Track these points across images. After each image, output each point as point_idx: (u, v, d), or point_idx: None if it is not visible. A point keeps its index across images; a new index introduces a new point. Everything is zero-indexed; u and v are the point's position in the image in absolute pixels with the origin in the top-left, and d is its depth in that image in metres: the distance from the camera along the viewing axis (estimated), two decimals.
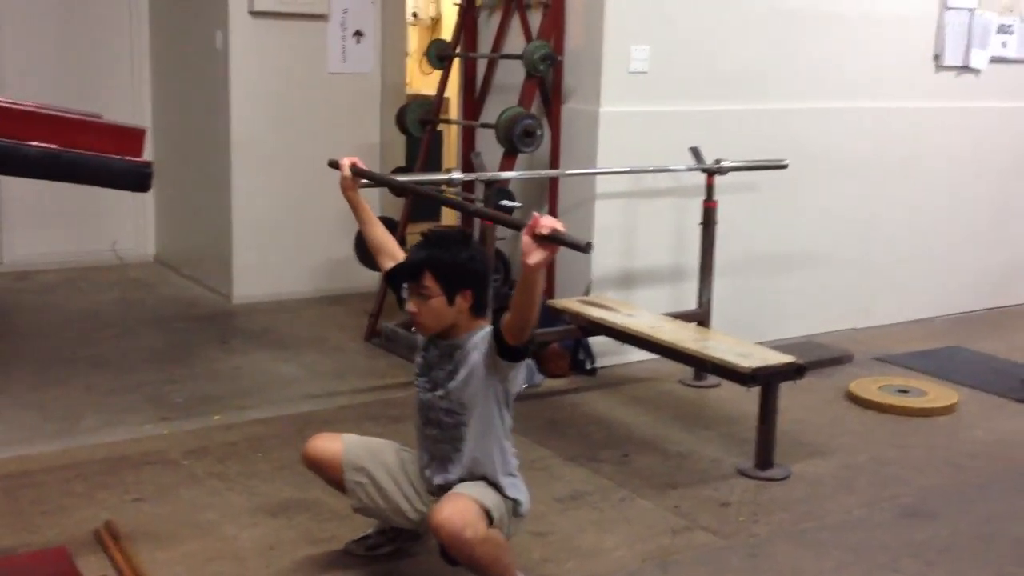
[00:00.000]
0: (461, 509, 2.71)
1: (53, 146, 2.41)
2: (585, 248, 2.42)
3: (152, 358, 5.05)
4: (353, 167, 3.17)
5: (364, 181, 3.23)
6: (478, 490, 2.82)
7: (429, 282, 2.77)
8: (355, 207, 3.21)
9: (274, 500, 3.56)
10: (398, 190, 5.60)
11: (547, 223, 2.43)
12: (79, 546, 3.14)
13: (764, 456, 3.94)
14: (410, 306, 2.84)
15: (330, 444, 3.06)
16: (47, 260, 6.65)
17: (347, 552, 3.21)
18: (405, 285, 2.90)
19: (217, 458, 3.89)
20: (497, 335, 2.70)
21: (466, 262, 2.81)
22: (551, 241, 2.43)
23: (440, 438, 2.90)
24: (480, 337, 2.81)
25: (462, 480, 2.87)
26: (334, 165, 3.24)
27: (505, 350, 2.70)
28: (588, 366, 5.00)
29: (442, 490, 2.89)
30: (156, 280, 6.59)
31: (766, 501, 3.73)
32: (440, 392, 2.87)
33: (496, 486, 2.87)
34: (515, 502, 2.90)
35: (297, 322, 5.80)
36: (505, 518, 2.86)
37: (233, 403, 4.48)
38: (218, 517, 3.43)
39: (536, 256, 2.45)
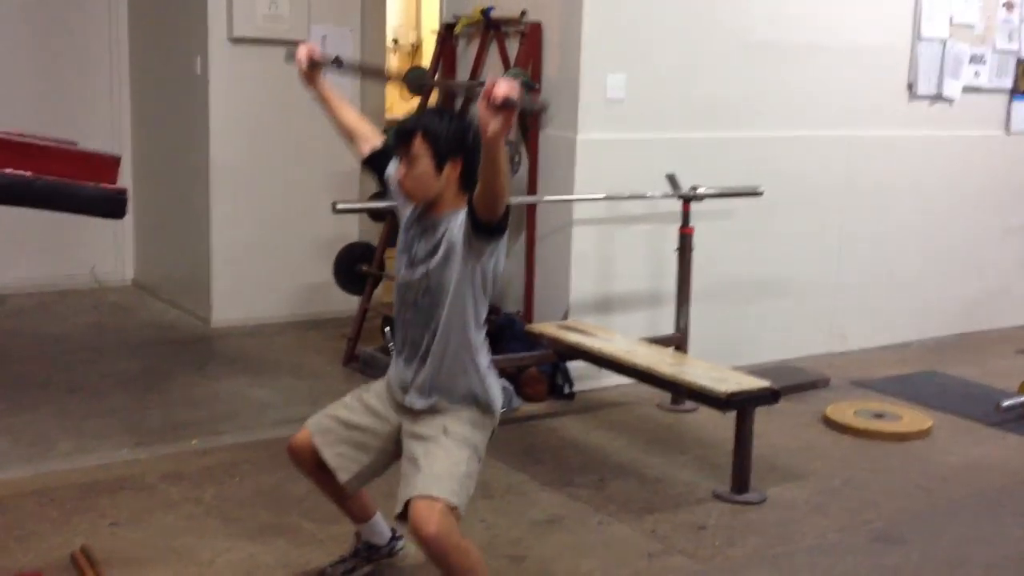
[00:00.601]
0: (435, 520, 2.65)
1: (26, 173, 2.42)
2: (541, 108, 2.39)
3: (128, 382, 5.04)
4: (311, 57, 3.10)
5: (332, 64, 3.12)
6: (444, 470, 2.76)
7: (419, 146, 2.73)
8: (322, 98, 3.16)
9: (251, 525, 3.56)
10: (376, 215, 5.63)
11: (501, 91, 2.37)
12: (55, 571, 3.13)
13: (740, 480, 3.97)
14: (399, 171, 2.80)
15: (300, 434, 3.07)
16: (24, 284, 6.61)
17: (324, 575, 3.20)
18: (393, 158, 2.88)
19: (193, 483, 3.88)
20: (471, 211, 2.67)
21: (458, 130, 2.76)
22: (507, 107, 2.39)
23: (415, 322, 2.86)
24: (462, 216, 2.75)
25: (434, 388, 2.84)
26: (291, 57, 3.14)
27: (477, 225, 2.67)
28: (566, 390, 5.01)
29: (414, 393, 2.86)
30: (134, 304, 6.57)
31: (741, 525, 3.75)
32: (420, 270, 2.83)
33: (471, 396, 2.85)
34: (488, 405, 2.89)
35: (275, 347, 5.79)
36: (473, 471, 2.83)
37: (210, 428, 4.47)
38: (194, 541, 3.42)
39: (494, 125, 2.41)
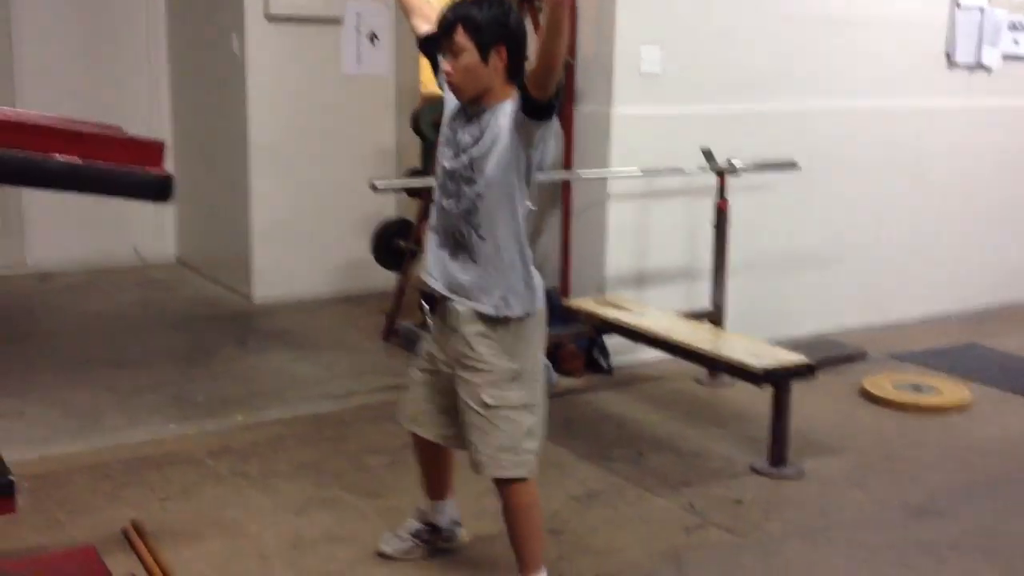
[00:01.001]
0: (511, 498, 2.85)
1: (75, 159, 2.47)
2: None
3: (174, 358, 5.13)
4: None
5: None
6: (500, 444, 2.85)
7: (461, 37, 2.70)
8: None
9: (296, 499, 3.63)
10: (413, 191, 5.66)
11: None
12: (107, 545, 3.22)
13: (777, 454, 3.99)
14: (444, 65, 2.77)
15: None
16: (70, 261, 6.74)
17: (382, 555, 3.25)
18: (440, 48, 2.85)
19: (240, 457, 3.97)
20: (522, 92, 2.65)
21: (498, 16, 2.72)
22: None
23: (457, 210, 2.83)
24: (509, 105, 2.73)
25: (478, 286, 2.82)
26: None
27: (529, 104, 2.65)
28: (603, 365, 5.05)
29: (456, 287, 2.86)
30: (177, 281, 6.68)
31: (779, 499, 3.78)
32: (464, 158, 2.80)
33: (514, 296, 2.84)
34: (531, 302, 2.89)
35: (315, 322, 5.88)
36: (527, 426, 2.89)
37: (254, 403, 4.56)
38: (241, 516, 3.50)
39: None
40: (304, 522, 3.47)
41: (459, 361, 2.90)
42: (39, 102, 6.14)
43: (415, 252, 5.54)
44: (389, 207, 6.30)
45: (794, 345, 4.52)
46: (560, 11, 2.47)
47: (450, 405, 2.98)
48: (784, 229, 5.55)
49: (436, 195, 2.92)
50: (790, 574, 3.26)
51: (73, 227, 6.70)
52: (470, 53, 2.72)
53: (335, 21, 6.15)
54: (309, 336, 5.61)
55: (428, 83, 8.03)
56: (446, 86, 2.87)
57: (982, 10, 6.03)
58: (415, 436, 3.13)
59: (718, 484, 3.88)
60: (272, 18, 5.95)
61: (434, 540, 3.27)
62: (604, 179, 5.00)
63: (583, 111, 5.10)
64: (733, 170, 4.90)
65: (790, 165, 5.12)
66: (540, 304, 2.93)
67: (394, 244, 5.64)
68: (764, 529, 3.55)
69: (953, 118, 6.09)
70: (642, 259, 5.17)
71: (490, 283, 2.84)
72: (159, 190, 2.60)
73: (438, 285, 2.93)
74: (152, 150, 2.63)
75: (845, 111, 5.67)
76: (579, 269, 5.19)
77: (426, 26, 3.01)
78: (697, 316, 4.80)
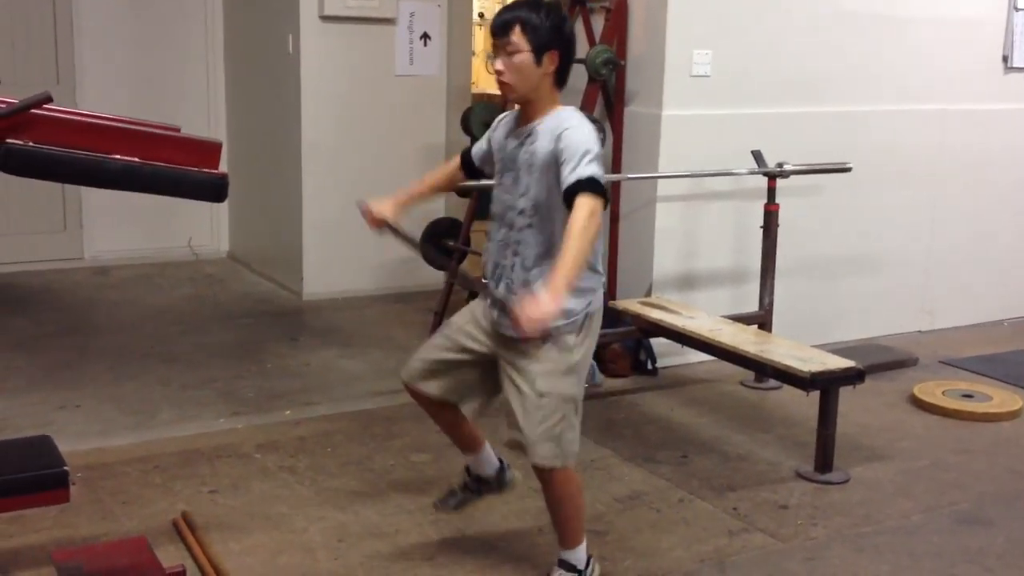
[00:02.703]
0: (552, 484, 2.91)
1: (134, 159, 2.53)
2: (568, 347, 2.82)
3: (224, 353, 5.22)
4: (382, 220, 3.15)
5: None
6: (544, 433, 2.88)
7: (517, 36, 2.77)
8: (409, 203, 3.24)
9: (342, 494, 3.69)
10: (462, 191, 5.70)
11: (532, 329, 2.60)
12: (157, 536, 3.29)
13: (823, 459, 3.97)
14: (497, 64, 2.83)
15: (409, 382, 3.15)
16: (126, 256, 6.89)
17: (437, 508, 3.35)
18: (490, 52, 2.94)
19: (288, 452, 4.03)
20: (567, 195, 2.71)
21: (556, 22, 2.81)
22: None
23: (509, 240, 2.90)
24: (556, 128, 2.78)
25: (537, 267, 2.86)
26: (364, 211, 3.20)
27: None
28: (649, 367, 5.05)
29: (521, 285, 2.88)
30: (229, 276, 6.78)
31: (824, 505, 3.76)
32: (521, 185, 2.86)
33: (574, 294, 2.82)
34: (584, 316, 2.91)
35: (364, 319, 5.94)
36: (570, 423, 2.92)
37: (302, 399, 4.62)
38: (289, 510, 3.56)
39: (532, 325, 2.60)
40: (350, 517, 3.52)
41: (513, 348, 2.91)
42: (100, 103, 6.26)
43: (464, 252, 5.58)
44: (439, 206, 6.35)
45: (843, 350, 4.49)
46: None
47: (473, 380, 3.05)
48: (834, 232, 5.51)
49: (493, 228, 2.98)
50: None
51: (129, 222, 6.83)
52: (525, 53, 2.78)
53: (388, 22, 6.21)
54: (357, 333, 5.67)
55: (478, 82, 8.09)
56: (488, 141, 3.01)
57: None
58: (428, 401, 3.13)
59: (763, 488, 3.87)
60: (327, 19, 6.03)
61: (486, 490, 3.31)
62: (653, 181, 5.00)
63: (633, 113, 5.11)
64: (783, 173, 4.88)
65: (842, 168, 5.08)
66: (599, 303, 2.97)
67: (443, 243, 5.68)
68: (808, 534, 3.54)
69: (1009, 122, 6.01)
70: (690, 262, 5.17)
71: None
72: (215, 191, 2.66)
73: (498, 291, 2.95)
74: (209, 151, 2.69)
75: (898, 114, 5.61)
76: (626, 271, 5.19)
77: (455, 165, 3.22)
78: (745, 320, 4.78)
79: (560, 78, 2.84)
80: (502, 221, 2.95)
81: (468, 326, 3.06)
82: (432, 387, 3.09)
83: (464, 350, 3.05)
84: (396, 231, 3.16)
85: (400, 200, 3.20)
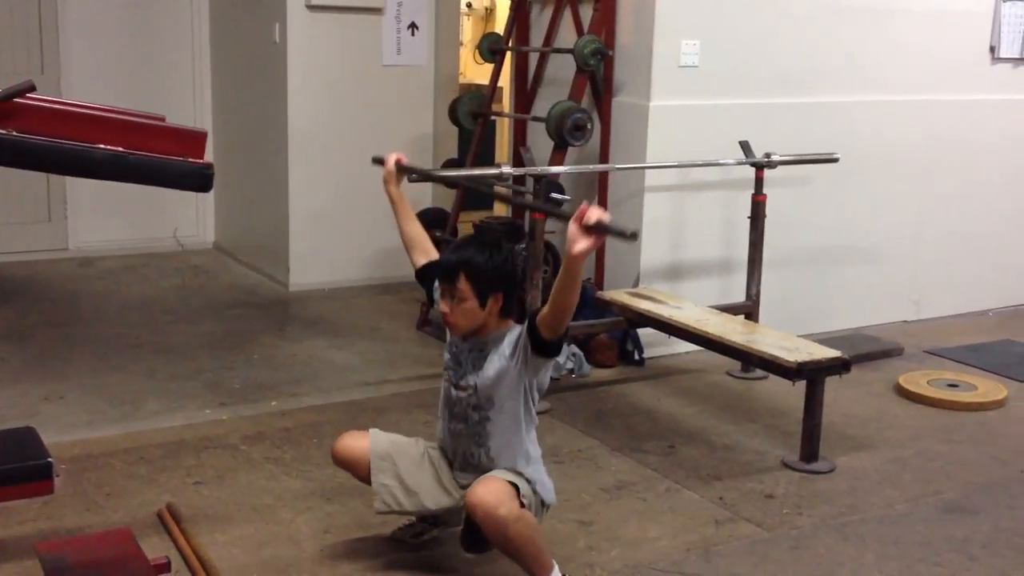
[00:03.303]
0: (494, 489, 2.82)
1: (120, 149, 2.52)
2: (631, 237, 2.49)
3: (211, 344, 5.20)
4: (398, 163, 3.24)
5: (412, 175, 3.32)
6: (507, 475, 2.92)
7: (463, 284, 2.85)
8: (395, 202, 3.29)
9: (328, 485, 3.68)
10: (451, 182, 5.69)
11: (594, 213, 2.50)
12: (142, 527, 3.28)
13: (809, 449, 3.98)
14: (443, 307, 2.92)
15: (358, 442, 3.14)
16: (111, 246, 6.85)
17: (395, 539, 3.31)
18: (437, 285, 3.01)
19: (274, 443, 4.02)
20: (532, 330, 2.78)
21: (499, 265, 2.89)
22: (597, 231, 2.50)
23: (465, 432, 3.00)
24: (510, 337, 2.91)
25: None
26: (378, 161, 3.30)
27: (539, 344, 2.78)
28: (636, 357, 5.06)
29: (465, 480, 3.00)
30: (215, 267, 6.76)
31: (810, 494, 3.77)
32: (468, 388, 2.96)
33: (521, 476, 2.95)
34: (540, 496, 2.99)
35: (351, 310, 5.92)
36: (533, 504, 2.95)
37: (289, 390, 4.61)
38: (274, 501, 3.55)
39: (582, 244, 2.51)
40: (335, 508, 3.52)
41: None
42: (83, 92, 6.23)
43: (451, 242, 5.57)
44: (426, 196, 6.34)
45: (829, 340, 4.50)
46: (578, 263, 2.58)
47: (418, 501, 3.09)
48: (821, 223, 5.52)
49: (443, 415, 3.06)
50: (820, 569, 3.26)
51: (115, 212, 6.80)
52: (470, 300, 2.86)
53: (375, 11, 6.19)
54: (344, 324, 5.66)
55: (465, 72, 8.07)
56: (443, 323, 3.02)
57: None
58: (349, 463, 3.19)
59: (749, 478, 3.88)
60: (313, 7, 6.00)
61: (442, 523, 3.28)
62: (641, 171, 4.99)
63: (621, 103, 5.10)
64: (770, 163, 4.88)
65: (829, 159, 5.09)
66: (548, 500, 3.03)
67: (430, 234, 5.65)
68: (794, 524, 3.55)
69: (997, 113, 6.02)
70: (677, 252, 5.17)
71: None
72: (200, 180, 2.66)
73: (451, 492, 3.06)
74: (194, 141, 2.69)
75: (886, 104, 5.62)
76: (613, 261, 5.20)
77: (424, 259, 3.20)
78: (732, 310, 4.79)
79: (505, 312, 2.92)
80: (453, 416, 3.02)
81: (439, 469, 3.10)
82: (378, 475, 3.10)
83: (433, 479, 3.10)
84: (414, 169, 3.34)
85: (400, 157, 3.27)
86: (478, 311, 2.88)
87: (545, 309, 2.73)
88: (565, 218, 2.60)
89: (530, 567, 2.87)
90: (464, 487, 2.99)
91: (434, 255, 3.19)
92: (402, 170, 3.27)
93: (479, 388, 2.94)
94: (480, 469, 2.97)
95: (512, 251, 2.99)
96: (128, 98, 5.84)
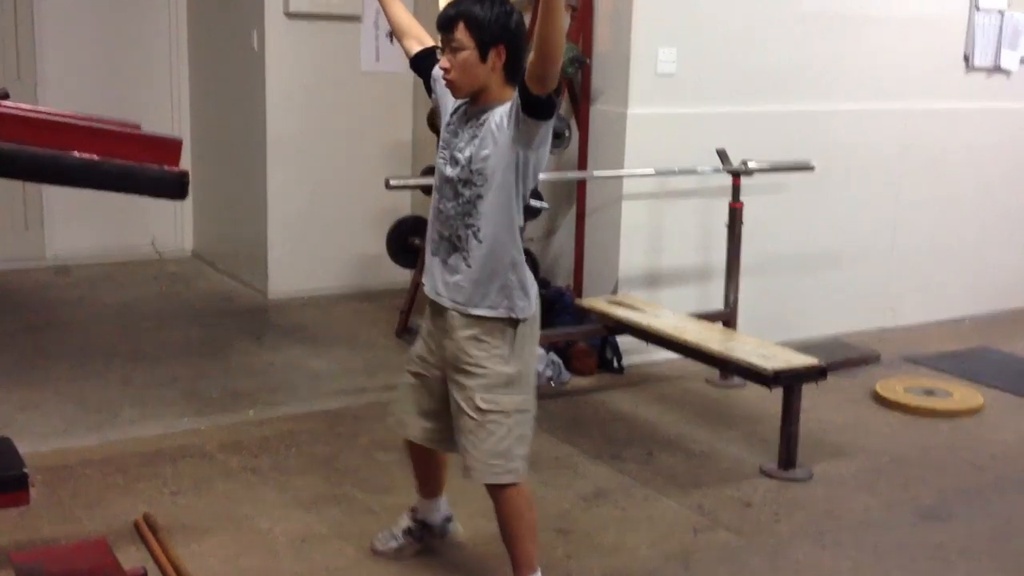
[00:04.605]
0: (505, 502, 2.85)
1: (93, 156, 2.50)
2: None
3: (189, 352, 5.18)
4: None
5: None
6: (492, 449, 2.85)
7: (461, 34, 2.70)
8: None
9: (306, 494, 3.66)
10: (428, 189, 5.68)
11: None
12: (118, 537, 3.26)
13: (787, 456, 4.00)
14: (443, 63, 2.78)
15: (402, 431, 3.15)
16: (88, 254, 6.80)
17: (375, 552, 3.28)
18: (435, 74, 2.87)
19: (251, 452, 4.00)
20: (522, 88, 2.62)
21: (500, 16, 2.72)
22: None
23: (455, 212, 2.82)
24: (508, 106, 2.72)
25: (474, 285, 2.81)
26: None
27: (529, 102, 2.61)
28: (615, 364, 5.06)
29: (451, 291, 2.85)
30: (193, 275, 6.72)
31: (788, 501, 3.79)
32: (461, 159, 2.79)
33: (507, 299, 2.83)
34: (525, 305, 2.87)
35: (330, 318, 5.91)
36: (521, 433, 2.90)
37: (266, 398, 4.59)
38: (252, 510, 3.53)
39: None
40: (313, 517, 3.50)
41: (453, 365, 2.90)
42: (61, 98, 6.20)
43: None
44: (405, 204, 6.33)
45: (806, 347, 4.52)
46: None
47: (438, 408, 3.00)
48: (798, 231, 5.55)
49: (434, 199, 2.91)
50: None
51: (91, 220, 6.75)
52: (469, 49, 2.72)
53: (353, 18, 6.18)
54: (323, 332, 5.64)
55: None
56: (440, 84, 2.88)
57: (1002, 13, 6.01)
58: (407, 442, 3.16)
59: (727, 485, 3.89)
60: (292, 15, 5.98)
61: (427, 537, 3.28)
62: (618, 179, 5.00)
63: (598, 111, 5.12)
64: (747, 171, 4.90)
65: (805, 167, 5.12)
66: (535, 308, 2.92)
67: (409, 241, 5.66)
68: (772, 531, 3.56)
69: (970, 121, 6.07)
70: (655, 259, 5.18)
71: (486, 286, 2.83)
72: (175, 188, 2.62)
73: (431, 292, 2.94)
74: (169, 147, 2.66)
75: (861, 113, 5.66)
76: (592, 268, 5.20)
77: (417, 46, 3.05)
78: (710, 317, 4.81)
79: (512, 72, 2.76)
80: (443, 196, 2.85)
81: (419, 350, 3.06)
82: (417, 433, 3.08)
83: (419, 376, 3.04)
84: None
85: None
86: (478, 65, 2.72)
87: (530, 57, 2.58)
88: None
89: (516, 555, 2.93)
90: (450, 302, 2.86)
91: (428, 42, 3.04)
92: None
93: (472, 160, 2.76)
94: (466, 264, 2.80)
95: (517, 10, 2.80)
96: (106, 105, 5.82)
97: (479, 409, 2.85)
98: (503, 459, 2.86)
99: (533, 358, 2.96)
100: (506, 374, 2.86)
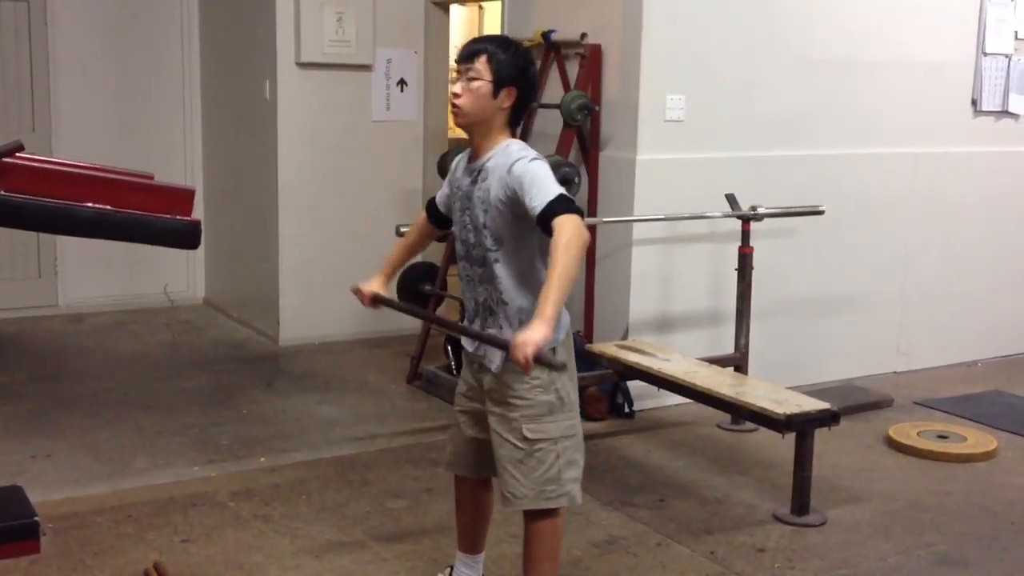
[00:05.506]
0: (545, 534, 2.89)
1: (107, 207, 2.54)
2: (560, 367, 2.73)
3: (200, 400, 5.18)
4: (375, 296, 3.23)
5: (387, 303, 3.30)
6: (540, 478, 2.88)
7: (481, 65, 2.81)
8: (394, 271, 3.34)
9: (317, 542, 3.65)
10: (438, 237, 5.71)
11: (523, 352, 2.57)
12: None
13: (800, 502, 3.97)
14: (455, 87, 2.86)
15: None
16: (101, 302, 6.85)
17: None
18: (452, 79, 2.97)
19: (262, 500, 4.00)
20: (541, 220, 2.69)
21: (520, 61, 2.84)
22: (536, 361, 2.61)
23: (481, 277, 2.91)
24: (503, 161, 2.79)
25: (505, 319, 2.88)
26: (356, 292, 3.29)
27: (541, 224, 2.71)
28: (626, 410, 5.05)
29: (502, 319, 2.89)
30: (205, 322, 6.75)
31: (801, 547, 3.76)
32: (479, 227, 2.86)
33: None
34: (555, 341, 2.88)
35: (341, 364, 5.91)
36: (567, 458, 2.92)
37: (277, 445, 4.59)
38: (263, 559, 3.52)
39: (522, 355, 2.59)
40: (324, 566, 3.49)
41: (493, 397, 2.92)
42: (77, 149, 6.26)
43: (440, 296, 5.59)
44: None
45: (818, 391, 4.51)
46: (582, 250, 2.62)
47: (483, 439, 3.02)
48: (809, 275, 5.55)
49: (460, 270, 3.00)
50: None
51: (104, 268, 6.80)
52: (485, 82, 2.81)
53: (364, 67, 6.25)
54: (334, 379, 5.65)
55: (455, 128, 8.14)
56: (453, 176, 2.98)
57: (1009, 57, 6.04)
58: (458, 482, 3.18)
59: (740, 532, 3.86)
60: (304, 65, 6.06)
61: None
62: (628, 224, 5.03)
63: (608, 157, 5.15)
64: (757, 216, 4.92)
65: (815, 211, 5.13)
66: (566, 327, 2.96)
67: (419, 288, 5.67)
68: None
69: (979, 165, 6.09)
70: (666, 304, 5.18)
71: (517, 317, 2.88)
72: (187, 238, 2.67)
73: (474, 353, 2.98)
74: (181, 198, 2.70)
75: (870, 157, 5.68)
76: (603, 313, 5.21)
77: (423, 218, 3.24)
78: (721, 362, 4.80)
79: (514, 117, 2.88)
80: (469, 259, 2.95)
81: (462, 388, 3.09)
82: (470, 463, 3.11)
83: (466, 413, 3.08)
84: (389, 303, 3.29)
85: (385, 272, 3.29)
86: (489, 97, 2.81)
87: (551, 270, 2.64)
88: (504, 348, 2.69)
89: None
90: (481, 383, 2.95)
91: (422, 218, 3.24)
92: (377, 301, 3.24)
93: (487, 224, 2.84)
94: (509, 327, 2.86)
95: (533, 62, 2.94)
96: (120, 155, 5.89)
97: (526, 439, 2.88)
98: (555, 484, 2.89)
99: (573, 379, 2.98)
100: (547, 402, 2.89)
